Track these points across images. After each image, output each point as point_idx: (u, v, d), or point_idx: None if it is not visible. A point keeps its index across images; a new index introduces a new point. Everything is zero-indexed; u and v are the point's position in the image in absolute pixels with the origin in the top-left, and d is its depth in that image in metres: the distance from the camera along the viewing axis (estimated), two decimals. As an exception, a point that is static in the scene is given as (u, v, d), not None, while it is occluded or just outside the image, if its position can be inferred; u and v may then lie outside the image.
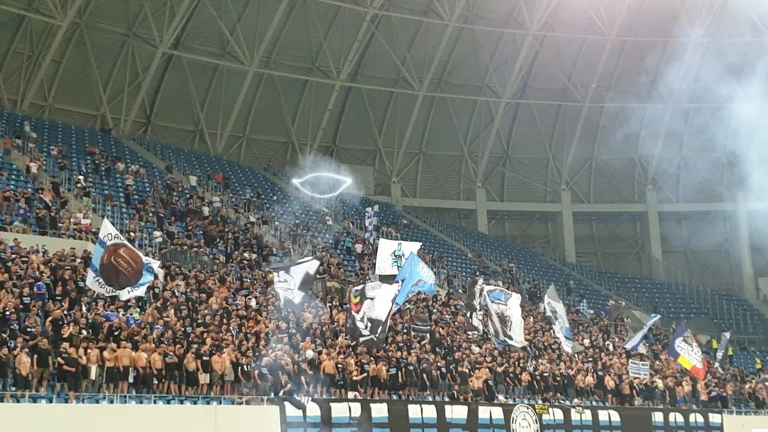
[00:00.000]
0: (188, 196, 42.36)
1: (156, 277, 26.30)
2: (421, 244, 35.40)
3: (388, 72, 58.79)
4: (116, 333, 24.47)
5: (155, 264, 24.77)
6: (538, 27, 57.73)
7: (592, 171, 64.85)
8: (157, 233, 35.34)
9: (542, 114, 62.68)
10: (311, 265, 25.79)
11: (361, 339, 24.87)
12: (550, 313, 32.69)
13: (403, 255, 29.81)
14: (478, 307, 29.26)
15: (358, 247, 44.70)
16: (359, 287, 25.04)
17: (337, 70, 56.45)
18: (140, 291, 24.08)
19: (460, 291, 43.34)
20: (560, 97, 61.99)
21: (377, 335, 24.19)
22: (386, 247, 30.88)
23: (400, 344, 31.34)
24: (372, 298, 24.44)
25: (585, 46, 59.96)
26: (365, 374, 27.94)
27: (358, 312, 24.41)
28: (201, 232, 37.54)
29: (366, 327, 24.26)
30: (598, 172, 64.83)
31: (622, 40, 59.63)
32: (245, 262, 36.33)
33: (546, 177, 64.88)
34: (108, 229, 22.96)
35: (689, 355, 33.83)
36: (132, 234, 34.27)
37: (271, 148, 58.22)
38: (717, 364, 42.16)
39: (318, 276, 32.37)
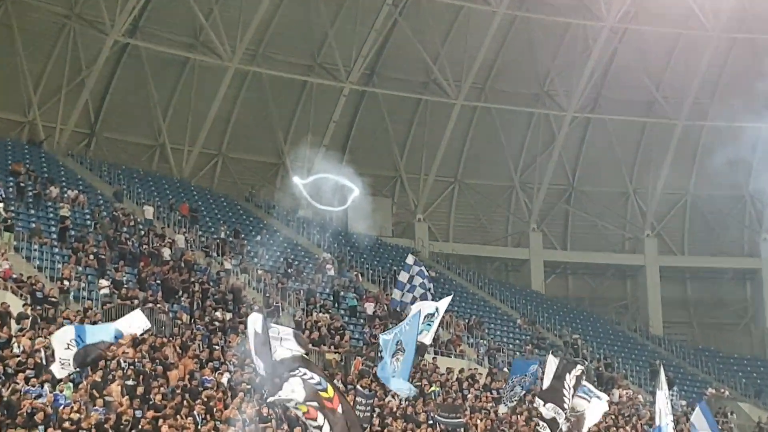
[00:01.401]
0: (143, 233, 42.41)
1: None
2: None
3: (415, 73, 59.13)
4: (35, 415, 24.34)
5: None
6: (617, 18, 57.89)
7: (687, 212, 64.75)
8: (103, 282, 35.28)
9: (621, 134, 62.69)
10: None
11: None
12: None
13: (437, 311, 28.55)
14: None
15: (369, 307, 44.46)
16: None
17: (347, 70, 56.74)
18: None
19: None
20: (645, 111, 62.06)
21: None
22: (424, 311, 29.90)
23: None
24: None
25: (680, 45, 60.13)
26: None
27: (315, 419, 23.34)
28: (158, 281, 37.53)
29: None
30: (695, 213, 64.70)
31: (731, 38, 59.71)
32: (217, 323, 36.22)
33: (625, 219, 64.76)
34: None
35: None
36: (66, 282, 34.24)
37: (256, 171, 58.48)
38: None
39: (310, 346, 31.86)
